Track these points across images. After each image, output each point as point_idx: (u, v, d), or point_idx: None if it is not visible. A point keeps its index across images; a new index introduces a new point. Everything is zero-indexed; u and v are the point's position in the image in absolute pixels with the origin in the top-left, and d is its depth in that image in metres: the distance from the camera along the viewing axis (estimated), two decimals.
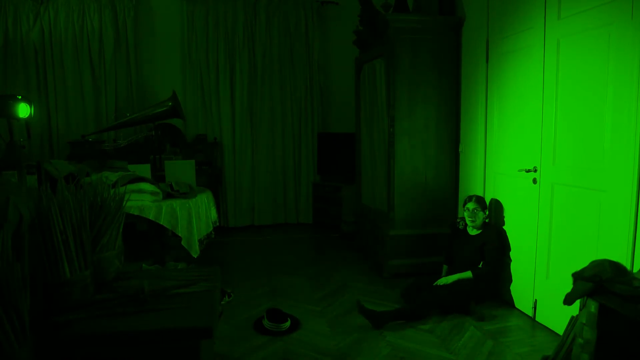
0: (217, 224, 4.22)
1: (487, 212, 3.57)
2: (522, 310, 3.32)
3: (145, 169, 3.97)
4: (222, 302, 3.48)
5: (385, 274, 4.16)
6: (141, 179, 3.49)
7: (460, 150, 4.17)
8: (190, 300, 1.57)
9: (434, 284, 3.45)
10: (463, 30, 4.06)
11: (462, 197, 4.14)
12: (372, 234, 4.62)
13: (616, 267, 2.07)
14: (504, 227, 3.55)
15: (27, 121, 2.92)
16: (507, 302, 3.48)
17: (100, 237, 1.71)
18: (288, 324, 3.08)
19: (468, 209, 3.54)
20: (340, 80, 6.34)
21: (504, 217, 3.56)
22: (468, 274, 3.39)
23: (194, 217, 3.55)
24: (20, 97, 2.70)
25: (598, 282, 2.00)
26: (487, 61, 3.69)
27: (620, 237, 2.42)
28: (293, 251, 5.21)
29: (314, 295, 3.77)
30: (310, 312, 3.40)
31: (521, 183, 3.28)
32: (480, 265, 3.46)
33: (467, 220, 3.55)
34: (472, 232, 3.57)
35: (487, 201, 3.67)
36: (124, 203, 1.83)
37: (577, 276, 2.13)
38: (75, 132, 5.80)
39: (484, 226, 3.54)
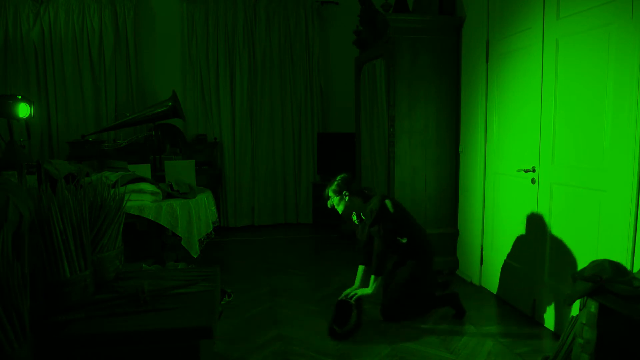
0: (217, 224, 4.22)
1: (345, 193, 3.21)
2: (522, 311, 3.32)
3: (145, 169, 3.97)
4: (222, 302, 3.48)
5: None
6: (141, 179, 3.49)
7: (460, 150, 4.17)
8: (190, 300, 1.57)
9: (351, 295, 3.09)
10: (463, 30, 4.06)
11: (462, 197, 4.15)
12: None
13: (616, 267, 2.07)
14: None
15: (27, 121, 2.93)
16: (507, 303, 3.48)
17: (100, 237, 1.71)
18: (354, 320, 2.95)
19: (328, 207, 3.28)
20: (340, 80, 6.34)
21: (502, 217, 3.56)
22: (367, 291, 3.06)
23: (194, 217, 3.55)
24: (20, 97, 2.71)
25: (598, 282, 2.00)
26: (487, 61, 3.69)
27: (620, 237, 2.42)
28: (293, 251, 5.21)
29: (314, 295, 3.77)
30: (310, 312, 3.40)
31: (520, 183, 3.28)
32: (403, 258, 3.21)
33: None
34: (367, 220, 3.20)
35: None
36: (124, 203, 1.83)
37: (577, 276, 2.13)
38: (75, 132, 5.81)
39: (362, 207, 3.20)
